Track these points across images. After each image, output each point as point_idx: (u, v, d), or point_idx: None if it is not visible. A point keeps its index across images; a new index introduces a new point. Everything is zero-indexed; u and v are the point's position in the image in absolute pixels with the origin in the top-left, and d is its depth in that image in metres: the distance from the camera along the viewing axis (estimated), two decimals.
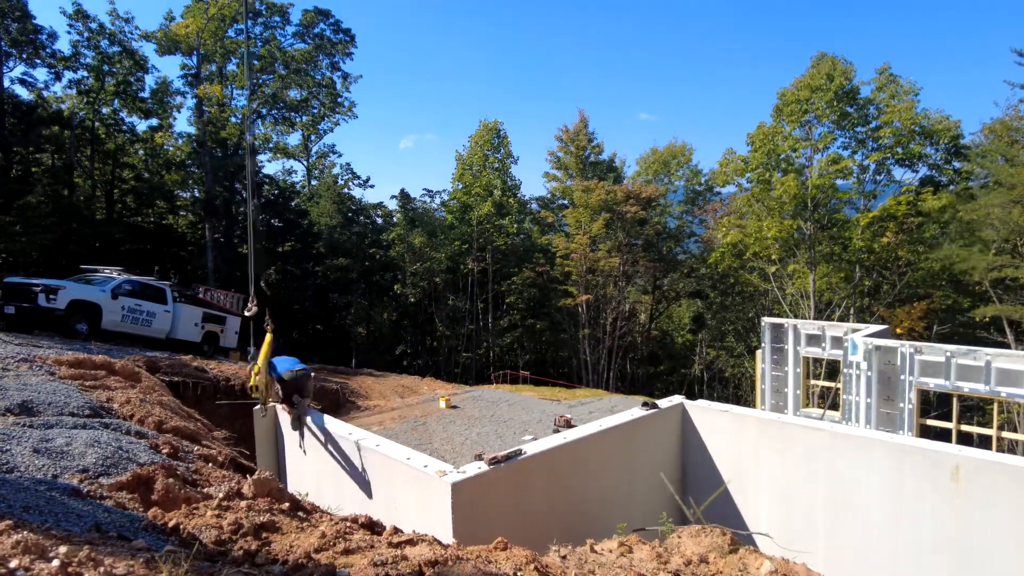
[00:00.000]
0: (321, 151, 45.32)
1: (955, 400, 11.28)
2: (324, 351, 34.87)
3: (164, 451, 4.84)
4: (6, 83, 25.85)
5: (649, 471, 6.51)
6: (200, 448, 5.66)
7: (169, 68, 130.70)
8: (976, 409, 25.84)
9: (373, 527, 3.47)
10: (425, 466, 4.98)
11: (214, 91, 32.07)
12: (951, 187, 29.64)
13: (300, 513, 3.47)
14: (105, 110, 30.97)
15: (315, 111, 39.89)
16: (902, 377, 11.21)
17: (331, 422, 6.81)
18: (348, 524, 3.35)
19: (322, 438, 6.74)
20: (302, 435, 7.22)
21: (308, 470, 7.15)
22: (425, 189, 62.78)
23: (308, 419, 7.08)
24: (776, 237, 29.87)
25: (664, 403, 6.92)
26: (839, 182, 30.13)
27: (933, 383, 10.94)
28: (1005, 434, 13.72)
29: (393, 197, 46.76)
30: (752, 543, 5.44)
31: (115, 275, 15.58)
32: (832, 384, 14.92)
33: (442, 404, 17.42)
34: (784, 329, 13.74)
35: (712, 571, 3.44)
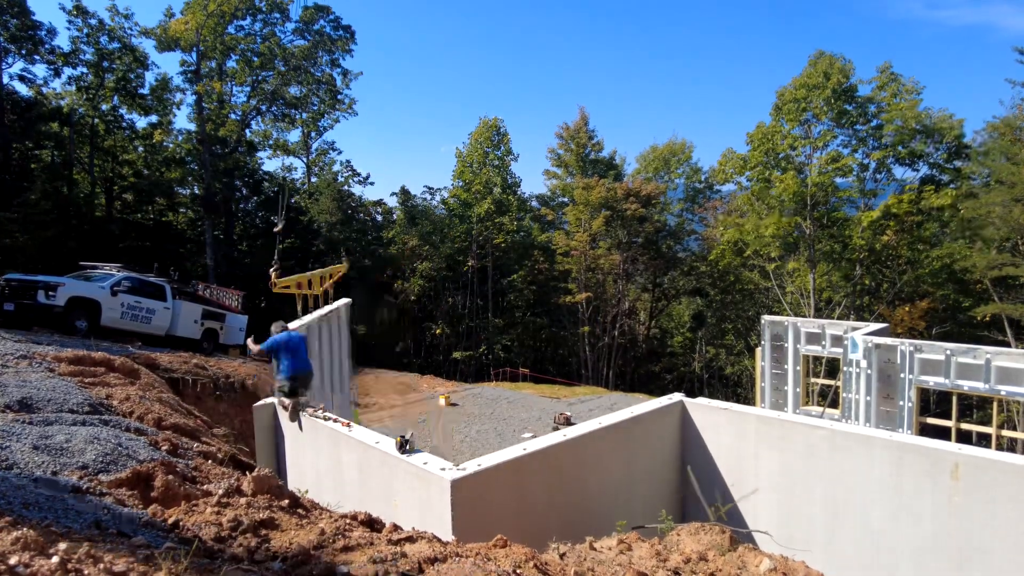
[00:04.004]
0: (321, 148, 45.30)
1: (955, 398, 11.30)
2: None
3: (163, 448, 4.83)
4: (5, 79, 25.81)
5: (649, 469, 6.52)
6: (200, 445, 5.66)
7: (168, 65, 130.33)
8: (976, 407, 25.87)
9: (372, 524, 3.48)
10: (424, 463, 4.98)
11: (214, 87, 32.00)
12: (952, 185, 29.63)
13: (299, 510, 3.47)
14: (104, 107, 30.92)
15: (315, 108, 39.83)
16: (902, 375, 11.21)
17: (331, 419, 6.81)
18: (347, 521, 3.36)
19: (322, 435, 6.75)
20: (300, 427, 7.24)
21: (307, 467, 7.16)
22: (425, 186, 62.78)
23: (307, 415, 7.08)
24: (775, 235, 29.85)
25: (664, 401, 6.92)
26: (839, 180, 30.13)
27: (933, 381, 10.95)
28: (1004, 432, 13.74)
29: (393, 194, 46.75)
30: (751, 541, 5.45)
31: (114, 272, 15.57)
32: (832, 382, 14.93)
33: (442, 402, 17.43)
34: (784, 327, 13.74)
35: (711, 569, 3.45)
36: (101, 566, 1.86)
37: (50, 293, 13.14)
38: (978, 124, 39.05)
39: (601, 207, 34.86)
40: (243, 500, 3.25)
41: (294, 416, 7.30)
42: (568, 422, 13.60)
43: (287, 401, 7.37)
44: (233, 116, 34.29)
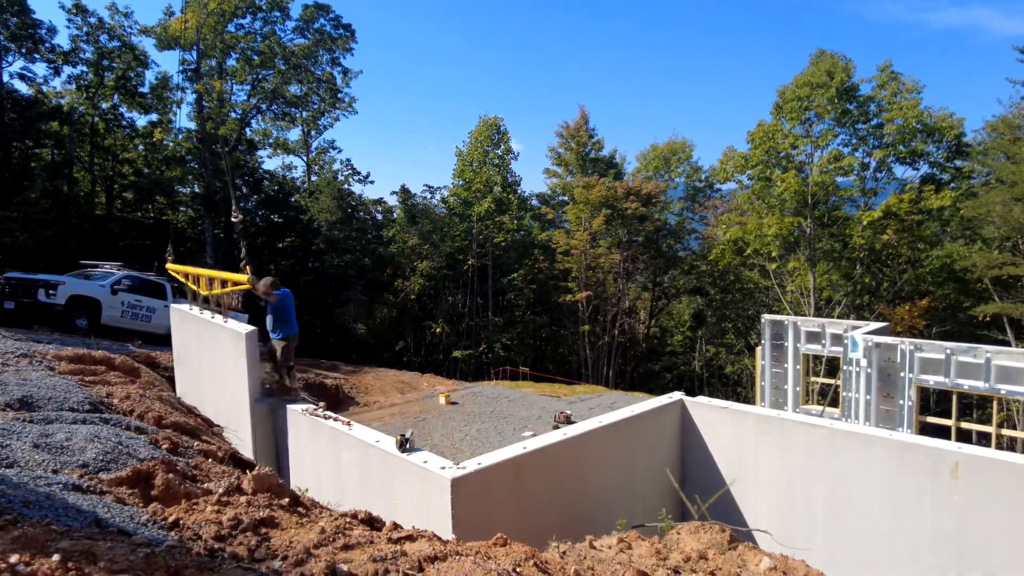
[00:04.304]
0: (321, 147, 45.30)
1: (955, 397, 11.30)
2: (324, 347, 34.89)
3: (164, 446, 4.83)
4: (5, 78, 25.78)
5: (648, 467, 6.52)
6: (200, 443, 5.66)
7: (168, 63, 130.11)
8: (976, 406, 25.88)
9: (373, 523, 3.48)
10: (425, 462, 4.98)
11: (214, 86, 31.98)
12: (952, 184, 29.63)
13: (300, 509, 3.47)
14: (104, 105, 30.90)
15: (315, 106, 39.81)
16: (902, 374, 11.21)
17: (331, 418, 6.81)
18: (348, 520, 3.36)
19: (322, 434, 6.75)
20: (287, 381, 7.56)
21: (308, 466, 7.16)
22: (426, 185, 62.67)
23: (308, 413, 7.08)
24: (776, 235, 29.85)
25: (664, 400, 6.92)
26: (840, 179, 30.11)
27: (933, 380, 10.94)
28: (1004, 431, 13.75)
29: (394, 193, 46.73)
30: (751, 540, 5.45)
31: (114, 270, 15.58)
32: (832, 381, 14.94)
33: (442, 400, 17.43)
34: (784, 326, 13.74)
35: (711, 567, 3.45)
36: (101, 564, 1.86)
37: (50, 292, 13.17)
38: (971, 125, 39.05)
39: (601, 206, 34.84)
40: (243, 499, 3.25)
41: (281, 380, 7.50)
42: (568, 421, 13.60)
43: (278, 361, 7.56)
44: (233, 115, 34.28)
